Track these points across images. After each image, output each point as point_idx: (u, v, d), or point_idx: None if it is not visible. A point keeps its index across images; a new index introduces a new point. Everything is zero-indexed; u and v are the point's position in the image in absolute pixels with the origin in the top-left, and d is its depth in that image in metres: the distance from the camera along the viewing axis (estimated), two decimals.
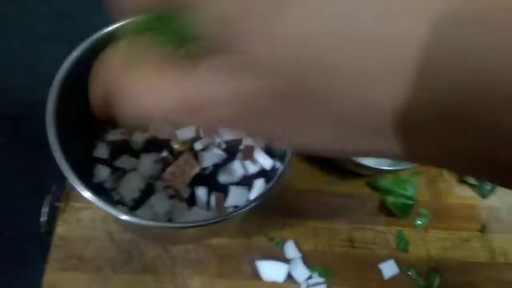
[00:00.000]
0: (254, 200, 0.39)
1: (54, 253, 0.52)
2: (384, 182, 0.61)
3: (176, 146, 0.50)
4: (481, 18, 0.13)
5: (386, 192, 0.61)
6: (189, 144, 0.51)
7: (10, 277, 0.56)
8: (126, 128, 0.43)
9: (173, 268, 0.52)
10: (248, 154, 0.52)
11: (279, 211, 0.58)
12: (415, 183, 0.62)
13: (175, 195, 0.47)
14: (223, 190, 0.51)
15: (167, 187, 0.48)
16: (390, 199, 0.60)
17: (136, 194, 0.47)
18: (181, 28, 0.17)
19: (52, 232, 0.53)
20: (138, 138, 0.50)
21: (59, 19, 0.77)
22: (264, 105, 0.16)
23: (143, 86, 0.18)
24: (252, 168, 0.52)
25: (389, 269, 0.56)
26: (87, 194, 0.38)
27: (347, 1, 0.15)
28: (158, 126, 0.46)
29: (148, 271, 0.52)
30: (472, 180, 0.64)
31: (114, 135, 0.51)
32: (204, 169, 0.52)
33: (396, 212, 0.59)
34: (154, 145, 0.51)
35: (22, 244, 0.57)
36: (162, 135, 0.49)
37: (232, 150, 0.54)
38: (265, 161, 0.51)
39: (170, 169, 0.48)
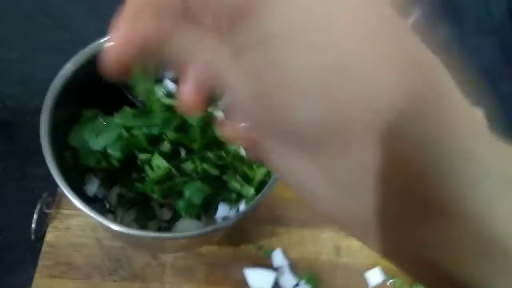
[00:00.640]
0: (244, 211, 0.41)
1: (44, 260, 0.52)
2: None
3: None
4: None
5: None
6: None
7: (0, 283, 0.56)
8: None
9: (162, 275, 0.53)
10: None
11: (267, 219, 0.59)
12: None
13: (165, 204, 0.48)
14: None
15: None
16: None
17: (128, 204, 0.47)
18: None
19: (42, 239, 0.53)
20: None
21: (55, 28, 0.77)
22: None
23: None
24: None
25: (375, 277, 0.57)
26: (77, 202, 0.39)
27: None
28: None
29: (137, 279, 0.52)
30: None
31: None
32: None
33: None
34: None
35: (11, 250, 0.58)
36: None
37: None
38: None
39: None
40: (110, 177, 0.46)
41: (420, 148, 0.14)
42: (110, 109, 0.48)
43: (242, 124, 0.19)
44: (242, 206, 0.47)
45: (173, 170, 0.42)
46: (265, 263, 0.56)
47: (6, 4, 0.76)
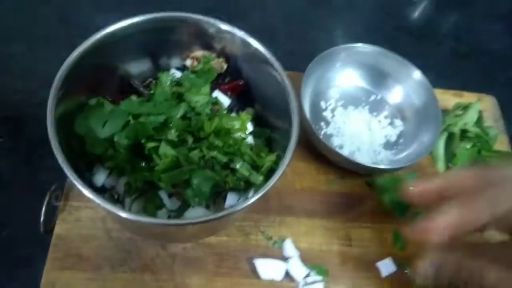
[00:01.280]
0: (253, 198, 0.40)
1: (53, 252, 0.52)
2: (381, 181, 0.61)
3: None
4: None
5: (384, 190, 0.61)
6: None
7: (10, 276, 0.56)
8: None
9: (172, 266, 0.53)
10: None
11: (277, 210, 0.59)
12: (411, 182, 0.62)
13: (173, 194, 0.48)
14: None
15: None
16: (388, 197, 0.60)
17: (136, 193, 0.47)
18: None
19: (52, 232, 0.53)
20: None
21: (59, 21, 0.77)
22: None
23: None
24: None
25: (386, 267, 0.56)
26: (85, 191, 0.38)
27: None
28: None
29: (147, 270, 0.52)
30: None
31: None
32: None
33: (393, 210, 0.59)
34: None
35: (21, 243, 0.58)
36: None
37: None
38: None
39: None
40: (118, 167, 0.46)
41: None
42: (116, 99, 0.47)
43: None
44: (251, 195, 0.46)
45: (181, 158, 0.42)
46: (275, 254, 0.55)
47: None
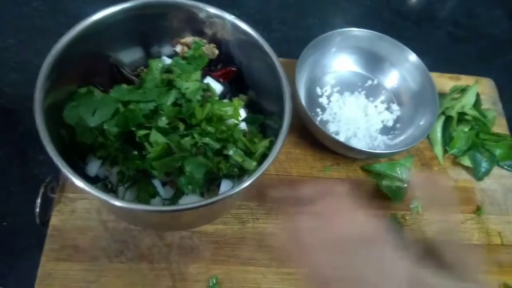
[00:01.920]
0: (247, 182, 0.40)
1: (50, 244, 0.52)
2: (378, 166, 0.61)
3: None
4: None
5: (380, 175, 0.61)
6: None
7: (6, 267, 0.56)
8: None
9: (168, 256, 0.52)
10: None
11: (273, 197, 0.58)
12: (408, 166, 0.61)
13: (167, 182, 0.47)
14: None
15: None
16: (384, 182, 0.60)
17: (128, 182, 0.47)
18: None
19: (48, 223, 0.53)
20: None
21: (52, 13, 0.77)
22: None
23: None
24: None
25: None
26: (77, 181, 0.38)
27: None
28: None
29: (144, 259, 0.52)
30: (466, 162, 0.64)
31: None
32: None
33: (390, 195, 0.59)
34: None
35: (18, 236, 0.58)
36: None
37: None
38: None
39: None
40: (110, 156, 0.45)
41: None
42: (107, 88, 0.47)
43: None
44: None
45: (172, 145, 0.41)
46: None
47: None
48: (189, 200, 0.45)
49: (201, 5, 0.48)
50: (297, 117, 0.62)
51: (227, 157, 0.45)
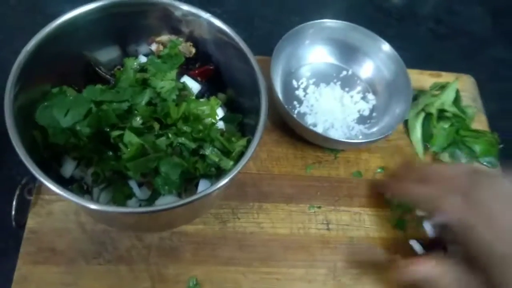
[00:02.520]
0: (223, 181, 0.39)
1: (26, 246, 0.51)
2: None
3: None
4: None
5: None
6: None
7: None
8: None
9: (148, 257, 0.52)
10: None
11: (254, 196, 0.58)
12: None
13: (144, 183, 0.47)
14: None
15: None
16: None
17: (104, 183, 0.46)
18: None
19: (24, 225, 0.52)
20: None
21: (30, 12, 0.75)
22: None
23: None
24: None
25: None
26: (48, 183, 0.37)
27: None
28: None
29: (122, 261, 0.51)
30: (446, 159, 0.64)
31: None
32: None
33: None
34: None
35: None
36: None
37: None
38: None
39: None
40: (85, 157, 0.45)
41: None
42: (81, 87, 0.46)
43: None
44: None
45: (146, 146, 0.41)
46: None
47: None
48: (166, 201, 0.45)
49: (176, 3, 0.47)
50: (277, 115, 0.62)
51: (204, 157, 0.44)
